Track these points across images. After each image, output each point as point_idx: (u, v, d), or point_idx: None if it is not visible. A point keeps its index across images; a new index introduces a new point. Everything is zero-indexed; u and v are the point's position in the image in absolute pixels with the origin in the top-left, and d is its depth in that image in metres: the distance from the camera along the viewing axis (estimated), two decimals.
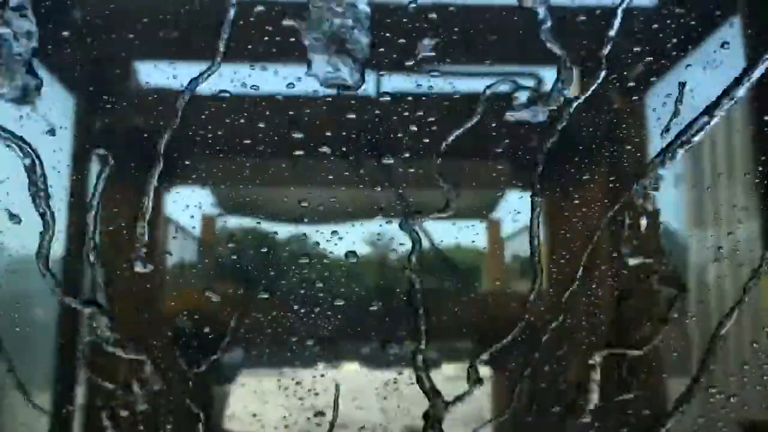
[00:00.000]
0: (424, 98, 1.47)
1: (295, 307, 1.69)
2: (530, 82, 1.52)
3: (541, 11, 1.23)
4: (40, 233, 1.30)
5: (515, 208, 1.66)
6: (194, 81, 1.26)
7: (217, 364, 1.92)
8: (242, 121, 1.54)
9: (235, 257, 2.06)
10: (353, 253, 1.59)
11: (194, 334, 1.77)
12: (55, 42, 1.31)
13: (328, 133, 1.53)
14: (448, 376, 1.81)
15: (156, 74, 1.49)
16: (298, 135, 1.50)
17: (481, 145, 1.58)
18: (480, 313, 1.79)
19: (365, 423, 1.58)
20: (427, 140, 1.49)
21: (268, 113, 1.52)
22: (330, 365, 1.77)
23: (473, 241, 1.72)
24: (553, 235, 1.72)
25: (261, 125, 1.53)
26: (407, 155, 1.52)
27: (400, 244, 1.59)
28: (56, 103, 1.33)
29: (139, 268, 1.39)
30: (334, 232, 1.60)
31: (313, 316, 1.70)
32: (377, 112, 1.51)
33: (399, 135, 1.51)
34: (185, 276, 2.03)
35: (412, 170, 1.57)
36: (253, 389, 1.76)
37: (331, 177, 1.63)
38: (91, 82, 1.53)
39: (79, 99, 1.53)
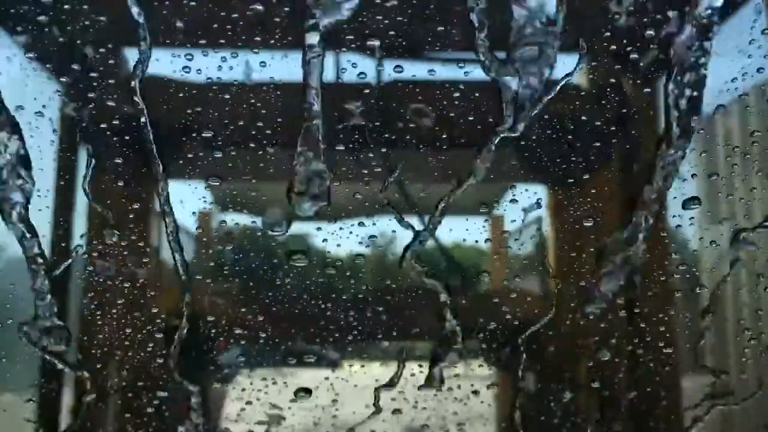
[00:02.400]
0: (427, 86, 1.42)
1: (294, 306, 1.65)
2: None
3: None
4: None
5: (519, 203, 1.61)
6: None
7: (213, 364, 1.88)
8: (237, 110, 1.50)
9: (233, 255, 2.03)
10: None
11: (189, 333, 1.73)
12: (39, 26, 1.26)
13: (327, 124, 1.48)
14: (450, 374, 1.78)
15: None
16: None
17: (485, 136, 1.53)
18: (483, 312, 1.74)
19: (364, 422, 1.55)
20: (432, 131, 1.45)
21: (264, 102, 1.47)
22: (329, 364, 1.74)
23: (475, 238, 1.67)
24: (561, 229, 1.67)
25: (256, 115, 1.48)
26: (410, 147, 1.48)
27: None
28: (41, 91, 1.29)
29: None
30: (336, 229, 1.56)
31: (312, 314, 1.66)
32: (379, 101, 1.47)
33: (401, 126, 1.46)
34: (181, 275, 1.99)
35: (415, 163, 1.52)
36: (251, 389, 1.72)
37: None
38: (77, 68, 1.48)
39: (65, 86, 1.48)
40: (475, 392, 1.66)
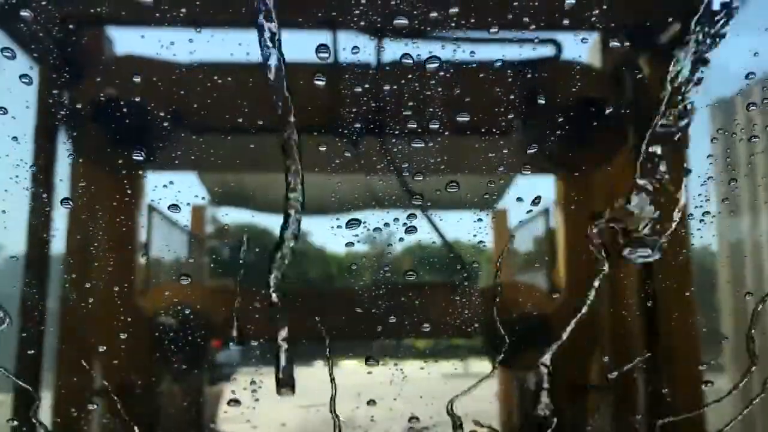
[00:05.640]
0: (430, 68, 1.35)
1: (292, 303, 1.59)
2: (550, 50, 1.42)
3: None
4: None
5: (523, 196, 1.55)
6: None
7: (210, 362, 1.84)
8: (231, 97, 1.43)
9: (226, 250, 2.00)
10: None
11: (182, 331, 1.68)
12: (19, 6, 1.19)
13: (325, 111, 1.42)
14: (452, 373, 1.74)
15: (131, 41, 1.38)
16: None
17: (488, 124, 1.46)
18: (486, 308, 1.69)
19: (363, 422, 1.50)
20: (432, 117, 1.38)
21: (256, 85, 1.40)
22: (328, 362, 1.69)
23: (476, 234, 1.61)
24: (570, 220, 1.61)
25: (251, 102, 1.41)
26: (411, 135, 1.41)
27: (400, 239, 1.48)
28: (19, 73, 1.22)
29: None
30: (332, 224, 1.50)
31: (310, 311, 1.60)
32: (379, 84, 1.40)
33: (402, 111, 1.39)
34: (173, 271, 1.95)
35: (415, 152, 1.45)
36: (249, 388, 1.67)
37: (327, 160, 1.52)
38: (57, 49, 1.41)
39: (45, 68, 1.42)
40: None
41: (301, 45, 1.22)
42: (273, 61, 0.84)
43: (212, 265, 2.06)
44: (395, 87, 1.38)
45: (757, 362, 1.10)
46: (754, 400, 1.11)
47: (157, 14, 1.21)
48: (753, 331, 1.13)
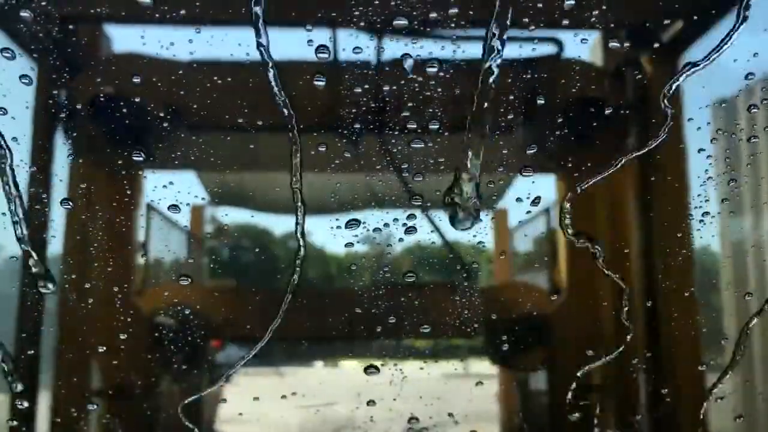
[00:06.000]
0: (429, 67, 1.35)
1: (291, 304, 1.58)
2: (550, 50, 1.41)
3: None
4: None
5: (523, 195, 1.55)
6: None
7: (209, 362, 1.84)
8: (229, 96, 1.43)
9: (226, 250, 1.99)
10: None
11: (182, 331, 1.68)
12: (18, 5, 1.19)
13: (325, 111, 1.41)
14: (452, 373, 1.74)
15: (130, 41, 1.38)
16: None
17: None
18: (486, 309, 1.68)
19: (363, 422, 1.50)
20: (432, 117, 1.37)
21: (256, 85, 1.40)
22: (327, 363, 1.70)
23: (476, 235, 1.60)
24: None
25: (251, 102, 1.41)
26: (411, 135, 1.41)
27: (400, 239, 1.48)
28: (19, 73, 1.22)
29: None
30: (332, 224, 1.49)
31: (309, 313, 1.60)
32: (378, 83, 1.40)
33: (402, 111, 1.39)
34: (172, 271, 1.94)
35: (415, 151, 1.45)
36: (249, 389, 1.67)
37: (327, 160, 1.51)
38: (56, 48, 1.41)
39: (45, 68, 1.41)
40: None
41: (301, 45, 1.22)
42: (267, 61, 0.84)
43: (212, 265, 2.06)
44: (395, 87, 1.38)
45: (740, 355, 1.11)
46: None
47: (157, 14, 1.21)
48: (748, 331, 1.14)
